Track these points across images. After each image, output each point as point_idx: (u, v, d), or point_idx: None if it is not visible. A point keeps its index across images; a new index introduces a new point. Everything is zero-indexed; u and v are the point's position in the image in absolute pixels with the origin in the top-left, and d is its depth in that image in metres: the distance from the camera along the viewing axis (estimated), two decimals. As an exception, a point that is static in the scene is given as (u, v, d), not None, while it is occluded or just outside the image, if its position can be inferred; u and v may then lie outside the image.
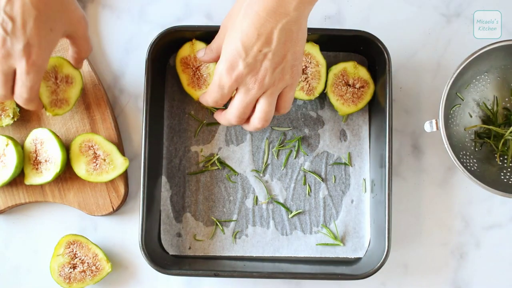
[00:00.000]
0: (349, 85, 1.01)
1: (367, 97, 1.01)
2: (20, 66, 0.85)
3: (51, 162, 0.97)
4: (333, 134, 1.03)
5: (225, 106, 0.92)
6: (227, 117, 0.91)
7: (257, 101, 0.87)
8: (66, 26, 0.89)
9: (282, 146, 1.03)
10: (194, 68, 1.00)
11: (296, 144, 1.03)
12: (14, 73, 0.86)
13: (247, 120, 0.90)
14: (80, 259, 0.99)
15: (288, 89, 0.88)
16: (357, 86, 1.01)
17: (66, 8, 0.87)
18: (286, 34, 0.82)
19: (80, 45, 0.93)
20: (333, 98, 1.01)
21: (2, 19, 0.82)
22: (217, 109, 0.97)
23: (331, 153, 1.03)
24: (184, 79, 1.00)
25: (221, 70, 0.85)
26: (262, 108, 0.87)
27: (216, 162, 1.02)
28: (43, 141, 0.98)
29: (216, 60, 0.91)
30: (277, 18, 0.81)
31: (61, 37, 0.89)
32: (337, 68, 1.01)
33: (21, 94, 0.88)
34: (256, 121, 0.89)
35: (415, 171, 1.03)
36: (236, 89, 0.87)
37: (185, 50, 1.00)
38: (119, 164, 0.99)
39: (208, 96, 0.90)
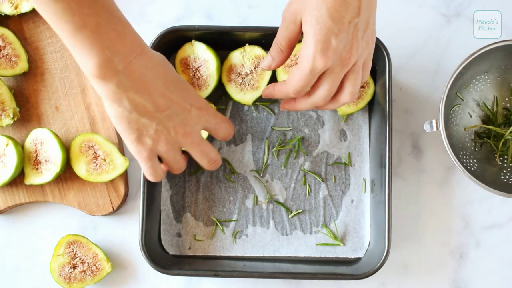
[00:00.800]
0: None
1: (367, 97, 1.01)
2: (184, 143, 0.86)
3: (51, 162, 0.97)
4: (333, 134, 1.03)
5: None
6: (314, 100, 0.84)
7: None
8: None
9: (282, 146, 1.03)
10: (194, 69, 1.00)
11: (296, 144, 1.03)
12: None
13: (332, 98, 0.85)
14: (80, 259, 0.99)
15: (370, 57, 0.84)
16: (357, 86, 1.01)
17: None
18: None
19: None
20: None
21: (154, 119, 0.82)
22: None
23: (331, 153, 1.03)
24: (184, 79, 1.00)
25: (313, 53, 0.77)
26: (354, 82, 0.83)
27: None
28: (43, 141, 0.98)
29: (287, 59, 0.87)
30: None
31: None
32: None
33: (209, 157, 0.90)
34: (347, 96, 0.84)
35: (415, 171, 1.04)
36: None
37: (184, 51, 1.00)
38: (119, 164, 0.99)
39: (291, 85, 0.82)
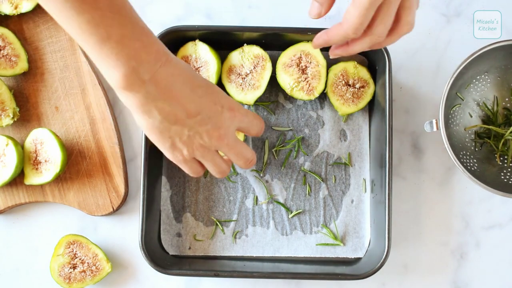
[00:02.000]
0: (349, 85, 1.01)
1: (367, 97, 1.01)
2: (219, 146, 0.84)
3: (51, 162, 0.97)
4: (333, 134, 1.03)
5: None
6: (373, 37, 0.79)
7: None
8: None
9: (282, 146, 1.03)
10: (194, 69, 1.00)
11: (296, 144, 1.03)
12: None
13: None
14: (80, 259, 0.99)
15: None
16: (357, 86, 1.01)
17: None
18: None
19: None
20: (333, 98, 1.01)
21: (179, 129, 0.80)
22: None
23: (331, 153, 1.03)
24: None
25: None
26: (410, 10, 0.78)
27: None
28: (43, 141, 0.98)
29: (333, 3, 0.84)
30: None
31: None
32: (337, 68, 1.01)
33: (245, 158, 0.88)
34: (406, 26, 0.79)
35: (415, 171, 1.03)
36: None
37: (186, 49, 1.00)
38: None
39: (351, 23, 0.77)
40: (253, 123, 0.88)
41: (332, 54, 0.87)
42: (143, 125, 0.79)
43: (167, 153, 0.83)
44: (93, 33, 0.71)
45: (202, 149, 0.83)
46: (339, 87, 1.00)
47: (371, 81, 1.01)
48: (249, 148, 0.89)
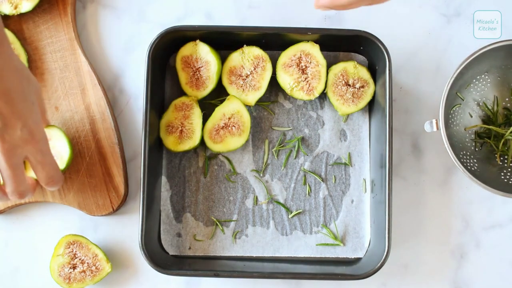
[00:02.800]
0: (349, 85, 1.01)
1: (367, 97, 1.01)
2: (30, 150, 0.80)
3: (58, 158, 0.97)
4: (333, 134, 1.03)
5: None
6: None
7: None
8: (36, 92, 0.84)
9: (282, 146, 1.03)
10: (194, 69, 1.00)
11: (296, 144, 1.03)
12: (23, 163, 0.81)
13: None
14: (80, 259, 0.99)
15: None
16: (357, 86, 1.01)
17: (28, 76, 0.82)
18: None
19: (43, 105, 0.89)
20: (333, 98, 1.01)
21: None
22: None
23: (331, 153, 1.03)
24: (183, 77, 1.01)
25: None
26: None
27: (220, 157, 1.02)
28: (51, 138, 0.98)
29: None
30: None
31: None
32: (337, 68, 1.01)
33: (48, 174, 0.84)
34: None
35: (415, 171, 1.03)
36: None
37: (187, 49, 1.00)
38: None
39: None
40: (45, 167, 0.84)
41: (317, 5, 0.84)
42: None
43: None
44: None
45: None
46: (339, 87, 1.00)
47: (371, 81, 1.01)
48: (29, 183, 0.84)
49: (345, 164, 1.02)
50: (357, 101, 1.01)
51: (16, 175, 0.80)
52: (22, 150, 0.80)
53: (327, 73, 1.00)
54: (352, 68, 1.00)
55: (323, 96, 1.02)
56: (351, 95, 1.00)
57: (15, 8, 1.01)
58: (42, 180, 0.85)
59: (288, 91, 1.00)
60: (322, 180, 1.02)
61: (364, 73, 1.01)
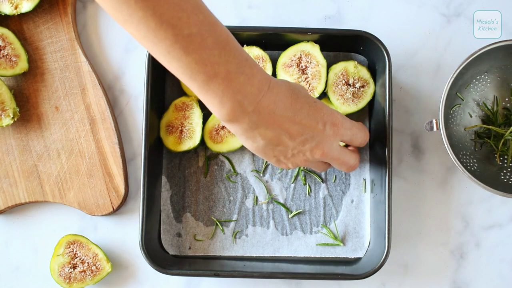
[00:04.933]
0: (349, 85, 1.01)
1: (367, 97, 1.01)
2: (323, 160, 0.88)
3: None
4: (333, 134, 1.03)
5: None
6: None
7: None
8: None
9: (282, 146, 1.03)
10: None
11: (296, 144, 1.03)
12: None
13: None
14: (80, 259, 0.99)
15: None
16: (358, 85, 1.01)
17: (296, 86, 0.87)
18: None
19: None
20: (333, 98, 1.01)
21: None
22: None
23: (331, 153, 1.03)
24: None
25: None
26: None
27: (220, 157, 1.02)
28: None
29: None
30: None
31: None
32: (337, 68, 1.01)
33: (348, 165, 0.92)
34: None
35: (415, 171, 1.03)
36: None
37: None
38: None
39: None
40: (356, 135, 0.91)
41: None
42: (249, 147, 0.84)
43: (274, 164, 0.88)
44: (200, 71, 0.73)
45: (307, 163, 0.88)
46: (339, 86, 1.00)
47: (371, 81, 1.01)
48: (353, 154, 0.93)
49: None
50: (357, 100, 1.01)
51: (344, 160, 0.90)
52: (336, 141, 0.88)
53: (328, 72, 1.00)
54: (353, 68, 1.00)
55: (322, 96, 1.02)
56: (351, 95, 1.00)
57: (15, 8, 1.01)
58: (360, 144, 0.94)
59: (288, 91, 1.00)
60: (322, 180, 1.02)
61: (365, 73, 1.01)
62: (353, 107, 1.01)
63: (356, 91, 1.00)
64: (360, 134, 0.92)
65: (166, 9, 0.70)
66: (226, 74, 0.74)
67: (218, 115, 0.78)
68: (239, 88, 0.76)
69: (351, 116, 1.03)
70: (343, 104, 1.00)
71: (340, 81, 1.00)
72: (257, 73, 0.78)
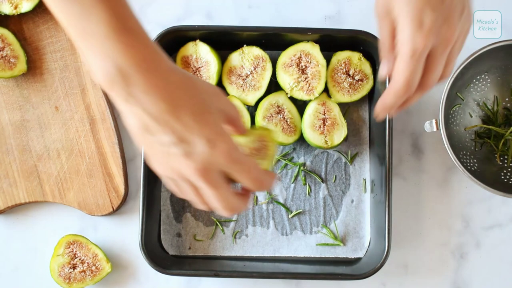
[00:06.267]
0: (349, 75, 1.00)
1: (364, 91, 1.01)
2: (223, 163, 0.69)
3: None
4: (333, 134, 1.03)
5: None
6: (424, 91, 0.76)
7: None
8: (216, 99, 0.72)
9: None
10: (194, 69, 1.00)
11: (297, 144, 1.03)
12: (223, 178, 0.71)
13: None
14: (80, 259, 0.99)
15: (464, 40, 0.76)
16: (357, 78, 1.00)
17: (197, 85, 0.71)
18: None
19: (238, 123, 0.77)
20: (330, 83, 1.00)
21: (170, 138, 0.67)
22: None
23: (331, 153, 1.03)
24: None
25: (409, 34, 0.70)
26: (454, 56, 0.75)
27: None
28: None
29: None
30: None
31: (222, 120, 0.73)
32: (341, 55, 1.00)
33: (254, 180, 0.73)
34: (448, 72, 0.76)
35: (415, 171, 1.03)
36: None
37: (187, 49, 1.00)
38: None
39: (399, 80, 0.73)
40: (248, 174, 0.72)
41: (378, 118, 0.83)
42: (125, 123, 0.70)
43: (146, 160, 0.75)
44: (76, 25, 0.65)
45: (176, 174, 0.70)
46: (338, 73, 1.00)
47: (371, 77, 1.01)
48: (238, 198, 0.74)
49: (345, 158, 1.02)
50: (352, 92, 1.00)
51: (221, 194, 0.71)
52: (216, 166, 0.69)
53: (331, 59, 1.00)
54: (356, 60, 1.00)
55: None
56: (348, 85, 1.00)
57: (15, 8, 1.01)
58: (252, 187, 0.73)
59: (288, 91, 1.00)
60: (322, 180, 1.02)
61: (367, 68, 1.00)
62: (347, 98, 1.00)
63: (354, 83, 1.00)
64: (254, 174, 0.73)
65: None
66: (102, 37, 0.64)
67: (94, 79, 0.68)
68: (113, 56, 0.64)
69: (351, 116, 1.03)
70: (338, 92, 1.00)
71: (341, 68, 1.00)
72: (142, 47, 0.66)
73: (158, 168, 0.72)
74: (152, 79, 0.66)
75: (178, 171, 0.70)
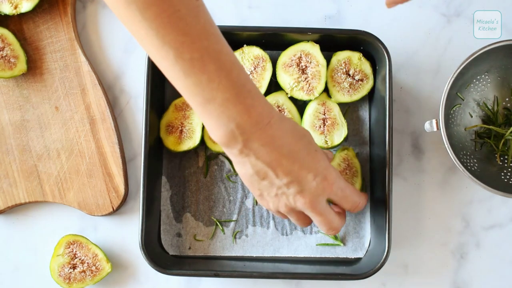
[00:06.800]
0: (349, 75, 1.00)
1: (363, 91, 1.01)
2: (329, 192, 0.85)
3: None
4: (333, 134, 1.03)
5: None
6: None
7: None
8: (311, 139, 0.86)
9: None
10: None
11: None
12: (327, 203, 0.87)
13: None
14: (80, 259, 0.99)
15: None
16: (357, 78, 1.00)
17: (298, 128, 0.84)
18: None
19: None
20: (330, 83, 1.00)
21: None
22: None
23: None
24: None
25: None
26: None
27: (220, 157, 1.02)
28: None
29: None
30: None
31: None
32: (341, 55, 1.00)
33: (353, 203, 0.89)
34: None
35: (415, 171, 1.03)
36: None
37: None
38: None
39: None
40: (347, 198, 0.88)
41: (389, 3, 0.87)
42: (238, 172, 0.83)
43: (257, 199, 0.87)
44: (198, 94, 0.75)
45: (287, 208, 0.86)
46: (338, 73, 1.00)
47: (371, 77, 1.01)
48: (337, 216, 0.89)
49: (345, 148, 1.02)
50: (352, 92, 1.00)
51: (326, 218, 0.87)
52: (323, 196, 0.85)
53: (331, 59, 1.00)
54: (356, 59, 1.00)
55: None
56: (348, 85, 1.00)
57: (15, 8, 1.01)
58: (350, 209, 0.90)
59: (288, 91, 1.00)
60: (322, 180, 1.02)
61: (367, 67, 1.00)
62: (347, 97, 1.00)
63: (354, 83, 1.00)
64: (352, 198, 0.89)
65: (169, 31, 0.72)
66: (223, 101, 0.76)
67: (212, 137, 0.79)
68: (234, 116, 0.76)
69: (352, 116, 1.03)
70: (338, 92, 1.00)
71: (341, 68, 1.00)
72: (259, 106, 0.78)
73: (271, 206, 0.86)
74: (268, 132, 0.79)
75: (290, 207, 0.85)
